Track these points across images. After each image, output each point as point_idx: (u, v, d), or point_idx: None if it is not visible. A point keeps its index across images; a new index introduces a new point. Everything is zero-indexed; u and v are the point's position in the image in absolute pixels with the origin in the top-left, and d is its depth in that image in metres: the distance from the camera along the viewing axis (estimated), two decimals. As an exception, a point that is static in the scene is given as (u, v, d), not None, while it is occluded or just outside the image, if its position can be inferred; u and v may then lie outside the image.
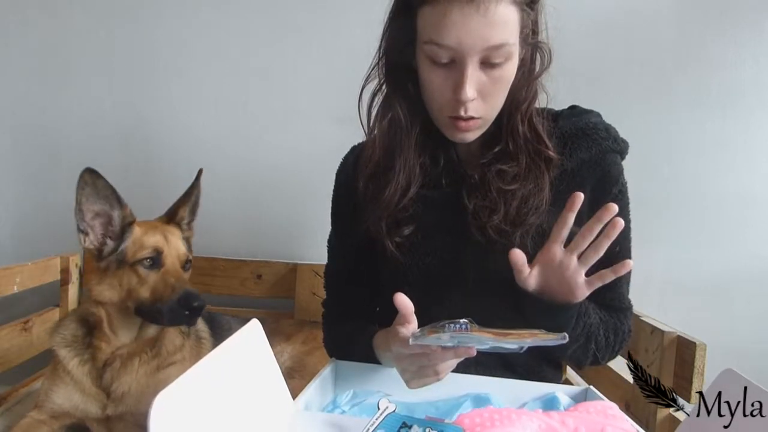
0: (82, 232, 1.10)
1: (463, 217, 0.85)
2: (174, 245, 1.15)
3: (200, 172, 1.27)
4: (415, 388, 0.73)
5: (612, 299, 0.89)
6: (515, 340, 0.63)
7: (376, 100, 0.89)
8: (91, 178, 1.07)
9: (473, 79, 0.74)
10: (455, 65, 0.75)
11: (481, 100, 0.77)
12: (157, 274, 1.10)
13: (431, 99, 0.81)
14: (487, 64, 0.75)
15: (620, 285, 0.90)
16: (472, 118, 0.78)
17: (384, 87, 0.88)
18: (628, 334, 0.89)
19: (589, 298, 0.87)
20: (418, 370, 0.71)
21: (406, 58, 0.82)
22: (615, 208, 0.69)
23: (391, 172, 0.86)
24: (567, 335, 0.63)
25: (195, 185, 1.26)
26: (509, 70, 0.77)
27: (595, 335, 0.83)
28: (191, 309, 1.06)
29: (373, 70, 0.88)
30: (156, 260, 1.10)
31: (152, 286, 1.08)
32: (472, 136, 0.82)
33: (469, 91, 0.74)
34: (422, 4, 0.74)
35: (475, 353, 0.66)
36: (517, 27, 0.74)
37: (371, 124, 0.89)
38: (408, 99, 0.85)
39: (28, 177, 1.77)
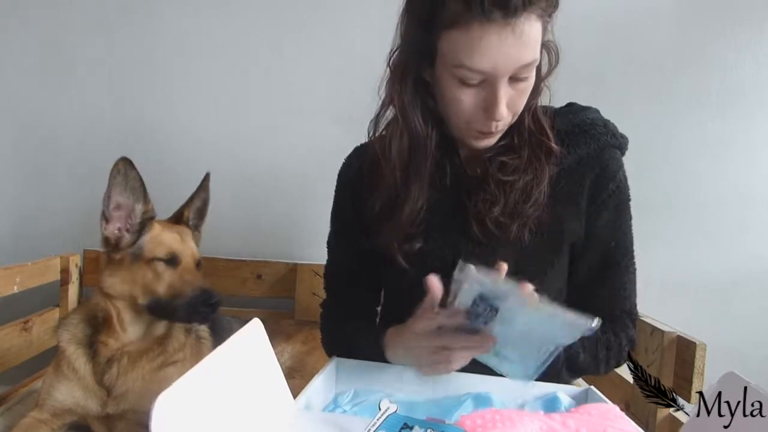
0: (105, 218, 1.11)
1: (465, 217, 0.85)
2: (188, 245, 1.17)
3: (207, 176, 1.26)
4: (428, 374, 0.74)
5: (609, 301, 0.89)
6: (545, 315, 0.62)
7: (387, 114, 0.88)
8: (124, 167, 1.09)
9: (505, 97, 0.74)
10: (485, 84, 0.74)
11: (508, 111, 0.77)
12: (174, 272, 1.11)
13: (457, 116, 0.80)
14: (514, 79, 0.74)
15: (619, 288, 0.89)
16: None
17: (397, 105, 0.85)
18: (627, 344, 0.87)
19: (586, 303, 0.87)
20: (432, 355, 0.72)
21: (423, 76, 0.82)
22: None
23: (407, 194, 0.85)
24: (595, 322, 0.59)
25: (200, 188, 1.26)
26: (533, 80, 0.77)
27: (568, 364, 0.83)
28: (210, 305, 1.08)
29: (385, 86, 0.86)
30: (173, 258, 1.12)
31: (169, 283, 1.10)
32: (494, 141, 0.83)
33: (503, 110, 0.75)
34: (449, 27, 0.72)
35: (488, 348, 0.67)
36: (541, 39, 0.74)
37: (377, 136, 0.89)
38: (425, 116, 0.84)
39: (28, 177, 1.77)
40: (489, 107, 0.75)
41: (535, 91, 0.82)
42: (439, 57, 0.76)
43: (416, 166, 0.85)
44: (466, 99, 0.76)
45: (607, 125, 0.88)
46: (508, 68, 0.72)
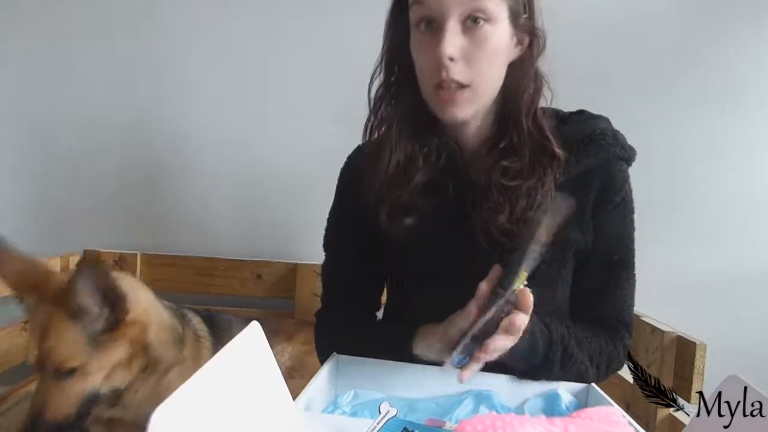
0: None
1: (471, 225, 0.85)
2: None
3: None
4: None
5: (609, 312, 0.88)
6: None
7: (379, 92, 0.89)
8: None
9: (453, 37, 0.74)
10: (437, 28, 0.76)
11: (464, 64, 0.76)
12: None
13: (420, 72, 0.80)
14: (468, 26, 0.75)
15: (619, 299, 0.89)
16: (457, 85, 0.77)
17: (386, 77, 0.88)
18: (624, 354, 0.88)
19: (585, 312, 0.87)
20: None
21: (404, 50, 0.83)
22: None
23: (387, 144, 0.87)
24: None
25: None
26: (493, 35, 0.76)
27: (573, 371, 0.82)
28: None
29: (378, 66, 0.88)
30: None
31: None
32: (461, 111, 0.80)
33: (448, 48, 0.74)
34: None
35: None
36: None
37: (375, 115, 0.90)
38: (409, 88, 0.85)
39: (28, 177, 1.77)
40: (436, 47, 0.75)
41: (528, 83, 0.82)
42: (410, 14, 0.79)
43: (397, 115, 0.86)
44: (421, 47, 0.78)
45: (616, 136, 0.87)
46: (452, 3, 0.73)
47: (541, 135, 0.83)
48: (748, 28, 1.57)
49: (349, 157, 1.01)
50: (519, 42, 0.82)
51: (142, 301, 1.04)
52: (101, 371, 0.95)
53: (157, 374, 1.10)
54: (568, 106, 0.93)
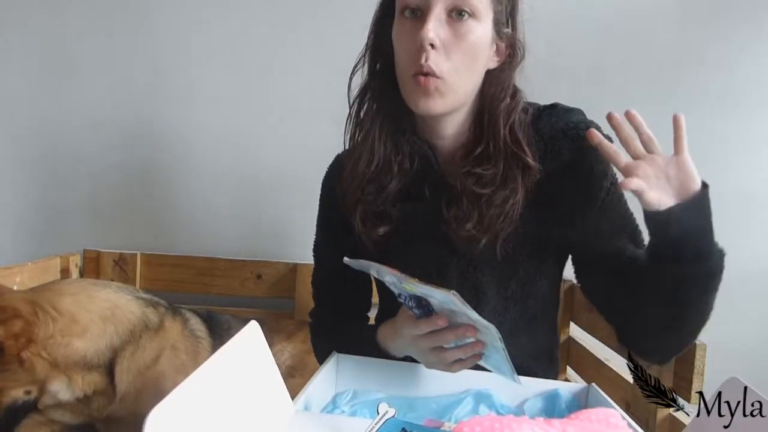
0: None
1: (445, 227, 0.85)
2: None
3: None
4: (432, 368, 0.77)
5: None
6: (443, 292, 0.64)
7: (362, 88, 0.90)
8: None
9: (436, 24, 0.76)
10: (422, 17, 0.77)
11: (444, 55, 0.77)
12: None
13: (399, 60, 0.81)
14: (452, 18, 0.76)
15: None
16: (433, 75, 0.77)
17: (369, 70, 0.89)
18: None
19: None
20: (428, 356, 0.74)
21: (387, 45, 0.84)
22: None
23: (367, 142, 0.87)
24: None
25: None
26: (475, 30, 0.77)
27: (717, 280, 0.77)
28: None
29: (360, 59, 0.90)
30: None
31: None
32: (434, 104, 0.80)
33: (429, 32, 0.75)
34: None
35: (481, 349, 0.70)
36: None
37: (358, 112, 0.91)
38: (390, 86, 0.86)
39: (28, 177, 1.77)
40: (418, 34, 0.75)
41: (506, 91, 0.83)
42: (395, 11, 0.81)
43: (372, 117, 0.87)
44: (404, 34, 0.79)
45: (590, 128, 0.87)
46: None
47: (516, 146, 0.83)
48: (748, 29, 1.57)
49: (329, 166, 1.02)
50: (498, 51, 0.83)
51: (66, 311, 1.00)
52: (12, 389, 0.95)
53: (139, 361, 1.09)
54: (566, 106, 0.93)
